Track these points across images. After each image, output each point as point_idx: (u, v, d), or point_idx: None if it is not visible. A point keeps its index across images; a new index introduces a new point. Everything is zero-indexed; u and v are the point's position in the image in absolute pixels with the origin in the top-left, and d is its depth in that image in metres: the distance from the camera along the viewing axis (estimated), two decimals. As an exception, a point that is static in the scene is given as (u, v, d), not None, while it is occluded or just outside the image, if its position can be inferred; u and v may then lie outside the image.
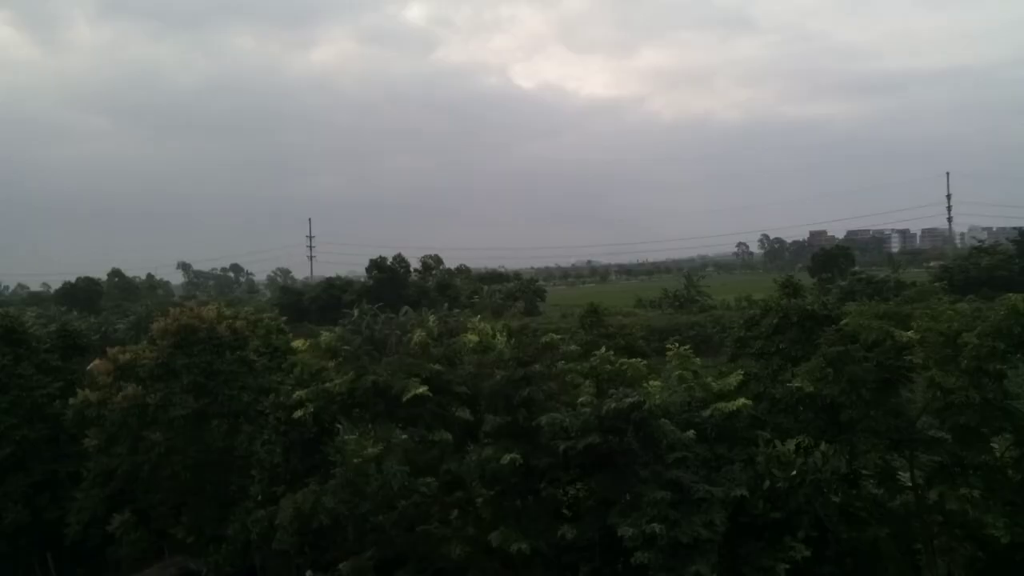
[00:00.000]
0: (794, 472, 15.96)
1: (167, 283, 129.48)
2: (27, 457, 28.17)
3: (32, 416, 28.69)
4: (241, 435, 23.14)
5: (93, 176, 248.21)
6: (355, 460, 18.82)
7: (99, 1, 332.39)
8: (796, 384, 17.31)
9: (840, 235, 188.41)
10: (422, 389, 19.43)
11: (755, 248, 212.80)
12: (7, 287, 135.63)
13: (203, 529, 22.31)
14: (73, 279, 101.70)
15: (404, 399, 19.39)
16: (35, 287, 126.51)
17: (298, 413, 21.15)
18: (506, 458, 16.86)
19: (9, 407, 28.30)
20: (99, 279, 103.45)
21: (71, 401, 25.88)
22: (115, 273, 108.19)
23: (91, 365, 28.42)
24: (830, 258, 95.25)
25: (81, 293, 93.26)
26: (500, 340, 23.37)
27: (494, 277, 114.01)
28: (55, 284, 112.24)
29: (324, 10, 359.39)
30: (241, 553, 20.95)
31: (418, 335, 23.44)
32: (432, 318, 26.70)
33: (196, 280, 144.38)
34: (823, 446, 16.70)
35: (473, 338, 23.16)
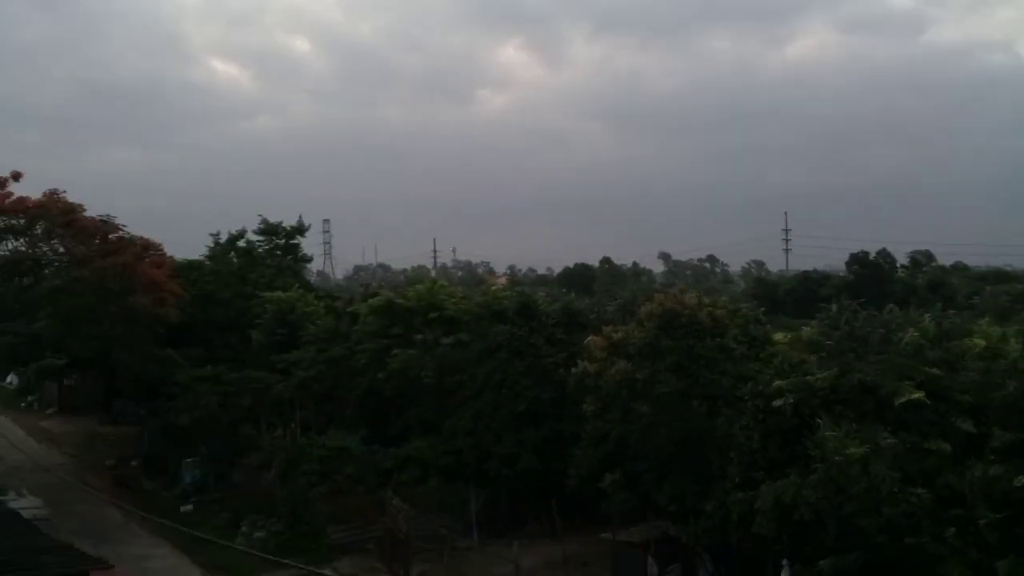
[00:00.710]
0: None
1: (649, 271, 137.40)
2: (538, 414, 31.65)
3: (542, 380, 32.04)
4: (720, 417, 23.68)
5: (586, 174, 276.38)
6: (836, 458, 18.20)
7: (594, 21, 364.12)
8: None
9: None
10: (918, 394, 17.96)
11: None
12: (520, 270, 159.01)
13: (683, 500, 23.39)
14: (571, 264, 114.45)
15: (896, 402, 18.13)
16: (541, 271, 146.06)
17: (777, 403, 21.00)
18: (1020, 480, 14.83)
19: (524, 371, 31.99)
20: (592, 265, 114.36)
21: (573, 370, 28.31)
22: (605, 260, 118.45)
23: (588, 340, 30.92)
24: None
25: (577, 277, 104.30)
26: (1013, 346, 20.51)
27: (998, 276, 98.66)
28: (557, 268, 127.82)
29: (803, 4, 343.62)
30: (718, 529, 21.65)
31: (910, 335, 21.72)
32: (927, 318, 24.41)
33: (675, 269, 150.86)
34: None
35: (979, 342, 20.64)
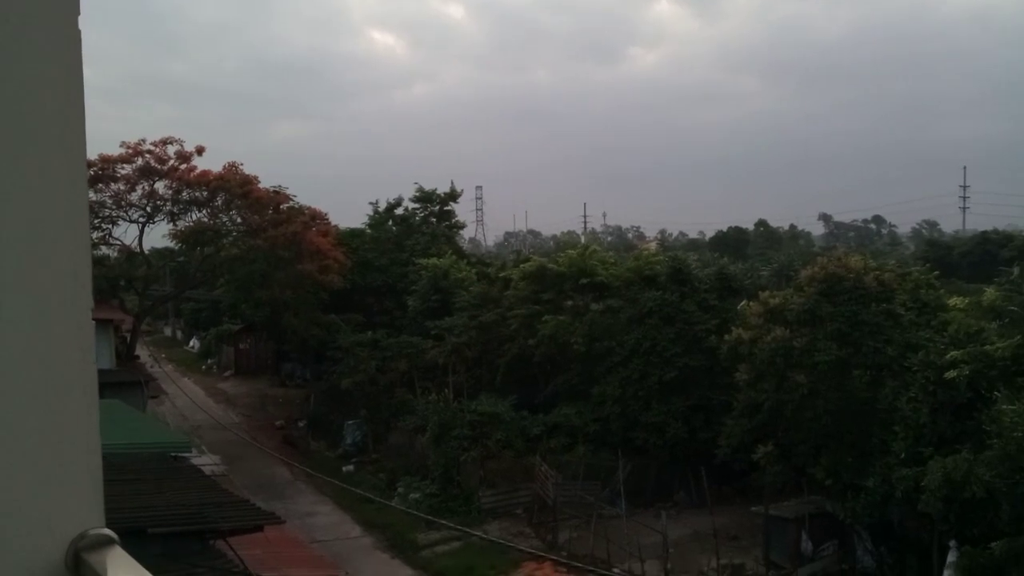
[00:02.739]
0: None
1: (808, 233, 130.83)
2: (687, 382, 31.15)
3: (692, 347, 31.49)
4: (884, 388, 22.41)
5: (741, 133, 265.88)
6: (1016, 433, 16.80)
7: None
8: None
9: None
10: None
11: None
12: (671, 234, 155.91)
13: (841, 475, 22.40)
14: (724, 228, 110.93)
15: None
16: (692, 235, 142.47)
17: (950, 374, 19.60)
18: None
19: (675, 337, 31.50)
20: (746, 228, 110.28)
21: (726, 337, 27.72)
22: (761, 223, 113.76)
23: (741, 306, 31.03)
24: None
25: (731, 241, 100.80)
26: None
27: None
28: (709, 232, 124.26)
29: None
30: (879, 506, 20.57)
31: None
32: None
33: (836, 231, 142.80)
34: None
35: None
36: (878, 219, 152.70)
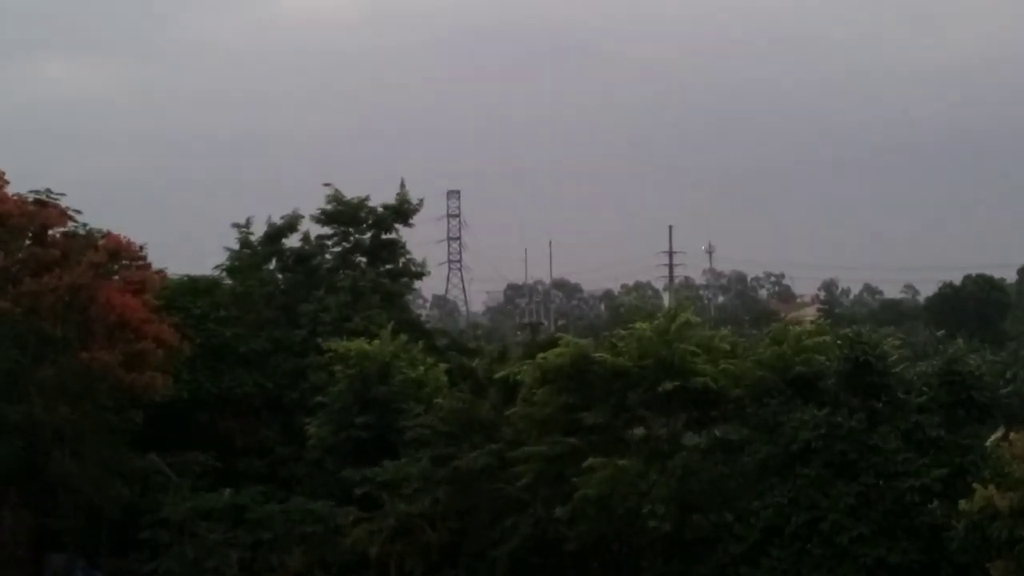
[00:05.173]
0: None
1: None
2: None
3: (894, 524, 23.25)
4: None
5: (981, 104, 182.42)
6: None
7: None
8: None
9: None
10: None
11: None
12: (845, 289, 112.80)
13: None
14: (953, 279, 79.85)
15: None
16: (891, 291, 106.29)
17: None
18: None
19: (858, 504, 23.93)
20: (1000, 279, 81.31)
21: (962, 504, 21.05)
22: None
23: (993, 439, 22.59)
24: None
25: (968, 303, 71.65)
26: None
27: None
28: (924, 288, 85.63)
29: None
30: None
31: None
32: None
33: None
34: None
35: None
36: None
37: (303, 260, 36.80)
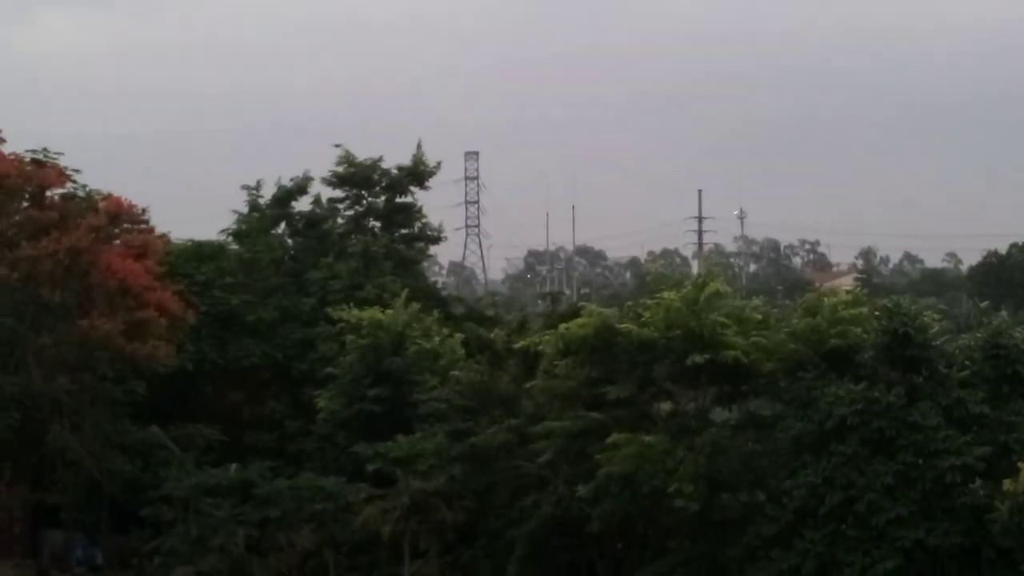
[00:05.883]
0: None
1: None
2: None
3: (934, 505, 23.28)
4: None
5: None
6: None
7: None
8: None
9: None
10: None
11: None
12: (884, 257, 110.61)
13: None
14: (999, 247, 78.20)
15: None
16: (932, 260, 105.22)
17: None
18: None
19: (897, 483, 23.51)
20: None
21: (1006, 485, 21.31)
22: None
23: None
24: None
25: (1017, 272, 76.75)
26: None
27: None
28: (968, 256, 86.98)
29: None
30: None
31: None
32: None
33: None
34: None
35: None
36: None
37: (313, 224, 35.45)
